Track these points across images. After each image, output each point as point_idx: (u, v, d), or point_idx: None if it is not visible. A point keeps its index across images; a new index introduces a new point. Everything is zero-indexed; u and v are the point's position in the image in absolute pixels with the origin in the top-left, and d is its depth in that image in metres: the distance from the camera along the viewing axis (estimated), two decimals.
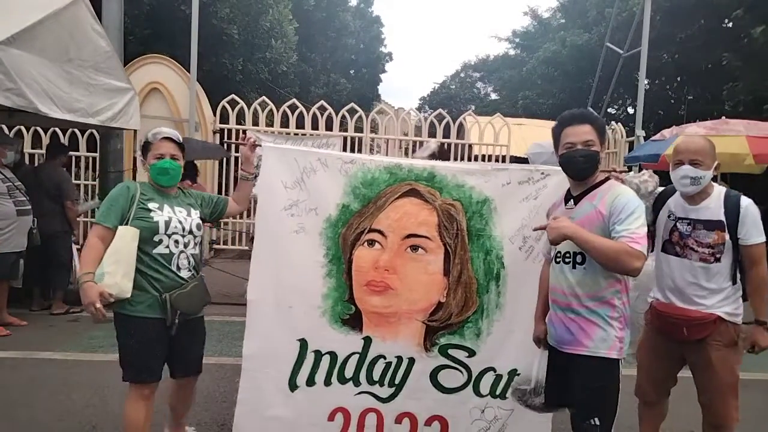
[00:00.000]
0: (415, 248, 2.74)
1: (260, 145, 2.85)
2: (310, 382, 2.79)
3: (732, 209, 2.49)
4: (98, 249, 2.43)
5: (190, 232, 2.64)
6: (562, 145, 2.28)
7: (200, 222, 2.72)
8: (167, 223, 2.56)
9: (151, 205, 2.55)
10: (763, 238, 2.50)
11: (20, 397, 3.62)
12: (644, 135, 9.29)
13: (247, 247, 8.86)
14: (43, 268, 5.70)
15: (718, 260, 2.50)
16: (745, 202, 2.51)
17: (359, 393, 2.80)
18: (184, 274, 2.60)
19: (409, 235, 2.73)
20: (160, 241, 2.55)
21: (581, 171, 2.26)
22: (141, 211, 2.52)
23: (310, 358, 2.79)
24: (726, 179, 7.64)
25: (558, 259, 2.31)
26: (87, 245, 2.48)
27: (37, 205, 5.44)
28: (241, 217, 9.27)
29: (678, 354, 2.66)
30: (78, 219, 6.38)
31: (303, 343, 2.78)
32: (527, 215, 2.71)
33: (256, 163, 2.86)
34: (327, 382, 2.80)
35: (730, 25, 15.28)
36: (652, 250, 2.66)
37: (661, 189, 2.75)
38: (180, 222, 2.61)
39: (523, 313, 2.69)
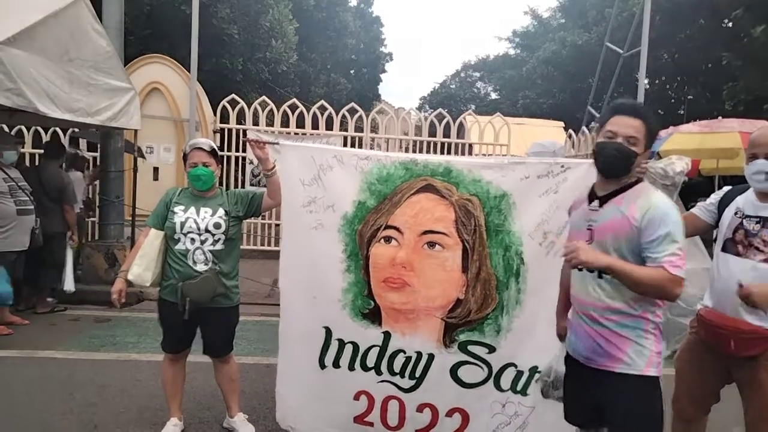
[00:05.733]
0: (432, 245, 2.70)
1: (278, 143, 2.92)
2: (336, 365, 2.88)
3: None
4: (138, 246, 3.01)
5: (207, 230, 2.93)
6: (603, 132, 2.02)
7: (220, 221, 2.96)
8: (183, 224, 2.93)
9: (177, 208, 2.97)
10: None
11: (22, 395, 3.59)
12: None
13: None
14: (35, 267, 5.69)
15: None
16: None
17: (381, 381, 2.84)
18: (200, 267, 2.92)
19: (426, 232, 2.69)
20: (179, 239, 2.94)
21: (610, 166, 2.00)
22: (170, 214, 2.98)
23: (334, 345, 2.87)
24: (721, 185, 7.61)
25: (580, 266, 2.03)
26: (135, 244, 3.10)
27: (37, 205, 5.43)
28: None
29: (723, 369, 2.38)
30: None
31: (328, 331, 2.87)
32: (547, 209, 2.63)
33: (273, 162, 2.94)
34: (351, 368, 2.86)
35: (730, 24, 15.28)
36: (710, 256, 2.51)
37: (728, 188, 2.51)
38: (195, 222, 2.93)
39: (545, 309, 2.62)
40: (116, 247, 6.83)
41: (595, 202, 2.05)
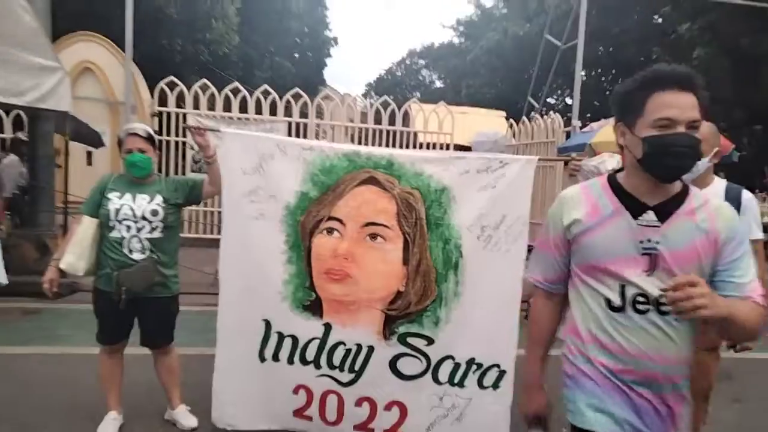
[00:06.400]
0: (374, 237, 2.71)
1: (219, 130, 2.87)
2: (275, 358, 2.85)
3: (733, 203, 2.15)
4: (72, 234, 2.92)
5: (143, 217, 2.88)
6: (652, 121, 1.46)
7: (157, 208, 2.90)
8: (117, 211, 2.86)
9: (112, 195, 2.91)
10: (761, 235, 2.33)
11: None
12: (580, 125, 9.71)
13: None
14: None
15: None
16: (747, 195, 2.35)
17: (320, 375, 2.83)
18: (136, 256, 2.87)
19: (368, 224, 2.70)
20: (113, 227, 2.87)
21: (680, 169, 1.49)
22: (104, 200, 2.90)
23: (274, 338, 2.84)
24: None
25: (623, 305, 1.51)
26: (68, 232, 3.04)
27: None
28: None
29: None
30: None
31: (267, 323, 2.84)
32: (485, 204, 2.68)
33: (214, 149, 2.89)
34: (290, 361, 2.84)
35: (660, 20, 16.09)
36: None
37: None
38: (132, 209, 2.87)
39: (481, 302, 2.70)
40: (47, 235, 6.50)
41: (650, 214, 1.50)
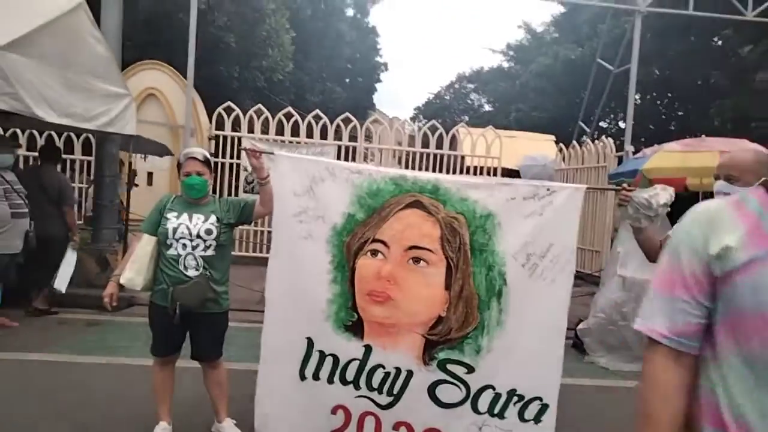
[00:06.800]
0: (417, 260, 2.71)
1: (273, 153, 3.00)
2: (316, 377, 2.88)
3: None
4: (132, 252, 3.09)
5: (198, 236, 3.01)
6: None
7: (211, 227, 3.04)
8: (175, 230, 3.01)
9: (170, 215, 3.05)
10: None
11: (10, 398, 3.62)
12: (633, 150, 9.49)
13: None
14: (31, 268, 5.73)
15: None
16: None
17: (359, 396, 2.83)
18: (191, 273, 3.01)
19: (412, 247, 2.71)
20: (171, 245, 3.01)
21: None
22: (162, 219, 3.06)
23: (315, 356, 2.87)
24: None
25: None
26: (128, 250, 3.25)
27: (37, 208, 5.49)
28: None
29: None
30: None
31: (309, 341, 2.87)
32: (531, 231, 2.60)
33: (267, 172, 3.01)
34: (330, 381, 2.86)
35: (720, 43, 15.58)
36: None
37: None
38: (188, 228, 3.01)
39: (525, 332, 2.63)
40: (108, 251, 6.86)
41: None
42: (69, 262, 5.75)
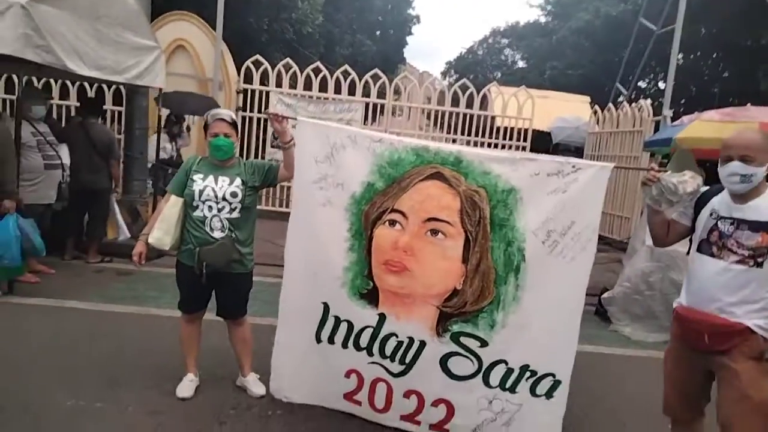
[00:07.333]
0: (435, 232, 2.71)
1: (295, 119, 3.01)
2: (331, 340, 2.97)
3: None
4: (159, 211, 3.16)
5: (224, 198, 3.05)
6: None
7: (237, 190, 3.07)
8: (201, 192, 3.05)
9: (196, 176, 3.09)
10: None
11: (46, 344, 3.80)
12: (671, 114, 9.11)
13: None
14: (80, 219, 6.04)
15: (759, 265, 2.19)
16: None
17: (371, 363, 2.90)
18: (217, 234, 3.06)
19: (430, 219, 2.71)
20: (197, 206, 3.06)
21: None
22: (189, 182, 3.10)
23: (330, 321, 2.96)
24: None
25: None
26: (156, 209, 3.27)
27: (86, 161, 5.76)
28: None
29: (703, 366, 2.37)
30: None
31: (326, 306, 2.96)
32: (553, 208, 2.59)
33: (290, 136, 3.02)
34: (344, 345, 2.94)
35: None
36: (687, 253, 2.47)
37: (705, 188, 2.46)
38: (213, 190, 3.05)
39: (541, 309, 2.63)
40: (139, 202, 7.02)
41: None
42: (117, 211, 6.17)
